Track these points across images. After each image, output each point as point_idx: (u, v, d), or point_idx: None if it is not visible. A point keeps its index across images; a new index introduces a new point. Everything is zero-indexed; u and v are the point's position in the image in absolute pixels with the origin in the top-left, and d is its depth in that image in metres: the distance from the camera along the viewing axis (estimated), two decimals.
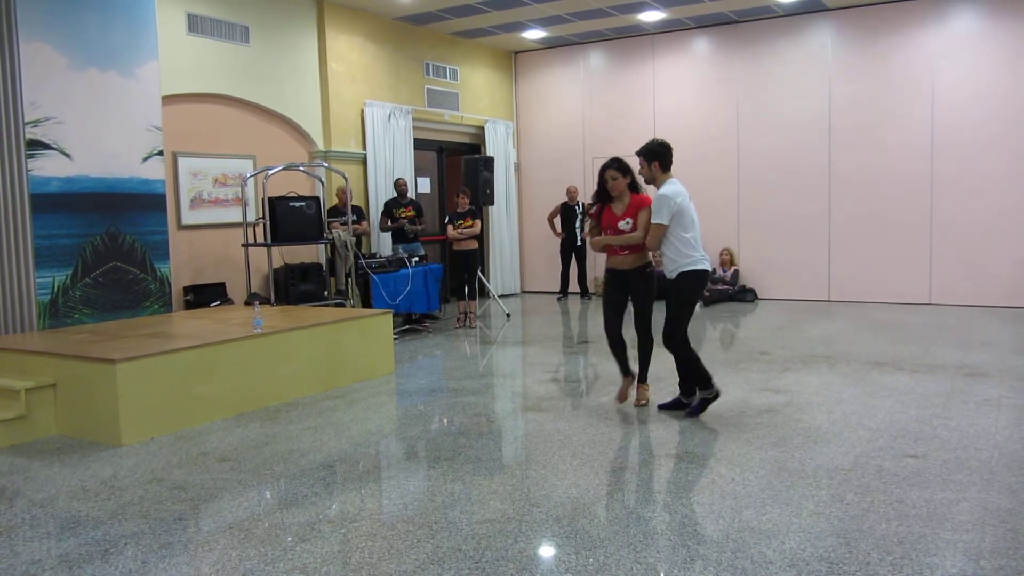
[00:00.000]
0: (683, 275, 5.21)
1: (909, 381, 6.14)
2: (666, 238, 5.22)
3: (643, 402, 5.54)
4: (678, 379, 5.42)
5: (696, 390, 5.31)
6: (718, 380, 6.31)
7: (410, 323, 9.57)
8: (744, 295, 11.35)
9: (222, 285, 8.67)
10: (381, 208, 10.11)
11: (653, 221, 5.20)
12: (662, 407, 5.46)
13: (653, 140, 5.46)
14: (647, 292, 5.44)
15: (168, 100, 7.81)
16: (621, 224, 5.33)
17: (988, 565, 3.06)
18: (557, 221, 12.08)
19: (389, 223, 9.87)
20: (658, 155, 5.37)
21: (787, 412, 5.34)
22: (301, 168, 9.11)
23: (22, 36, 6.34)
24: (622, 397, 5.56)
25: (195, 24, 8.35)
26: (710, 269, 5.49)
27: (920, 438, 4.69)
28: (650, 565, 3.15)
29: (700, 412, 5.29)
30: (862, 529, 3.42)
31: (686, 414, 5.28)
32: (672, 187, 5.28)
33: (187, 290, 8.36)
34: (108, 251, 6.95)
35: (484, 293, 11.48)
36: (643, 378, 5.60)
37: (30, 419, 5.24)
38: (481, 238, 11.14)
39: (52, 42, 6.55)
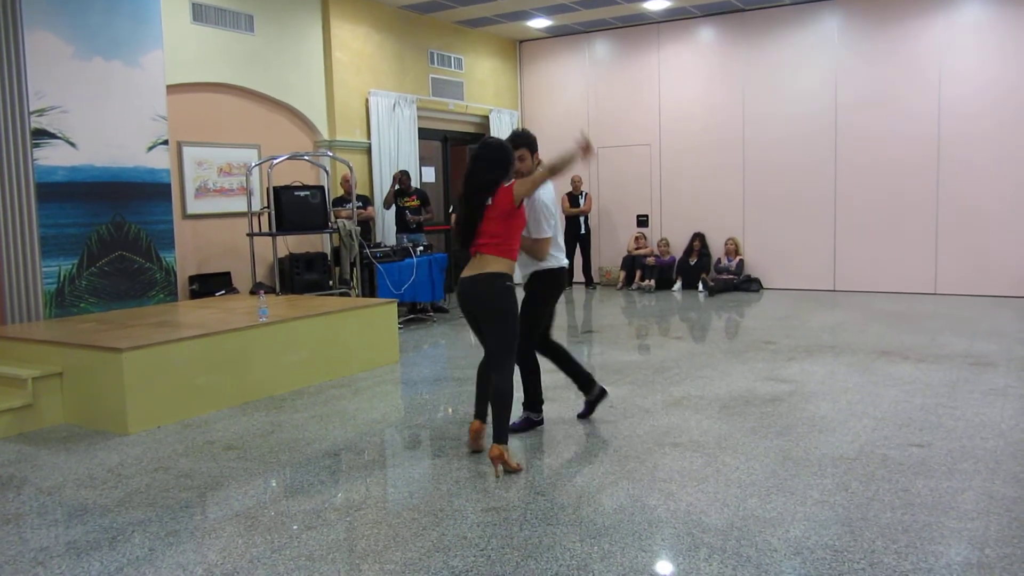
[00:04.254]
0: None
1: (914, 370, 6.13)
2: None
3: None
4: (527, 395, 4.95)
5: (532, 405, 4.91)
6: (722, 370, 6.33)
7: (415, 313, 9.58)
8: (749, 285, 11.33)
9: (227, 274, 8.68)
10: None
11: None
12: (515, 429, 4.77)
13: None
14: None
15: (173, 89, 7.80)
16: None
17: (993, 553, 3.07)
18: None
19: (395, 202, 9.80)
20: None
21: (792, 401, 5.34)
22: (306, 157, 9.11)
23: (27, 25, 6.33)
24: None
25: (199, 13, 8.33)
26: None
27: (925, 427, 4.69)
28: (655, 553, 3.16)
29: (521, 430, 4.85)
30: (867, 517, 3.42)
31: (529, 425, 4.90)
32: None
33: (192, 279, 8.38)
34: (114, 240, 6.97)
35: None
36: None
37: (37, 408, 5.26)
38: None
39: (57, 31, 6.54)
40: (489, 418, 4.37)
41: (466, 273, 4.30)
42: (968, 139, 10.12)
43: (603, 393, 5.05)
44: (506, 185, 4.26)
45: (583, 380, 4.99)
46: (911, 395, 5.42)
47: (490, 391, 4.31)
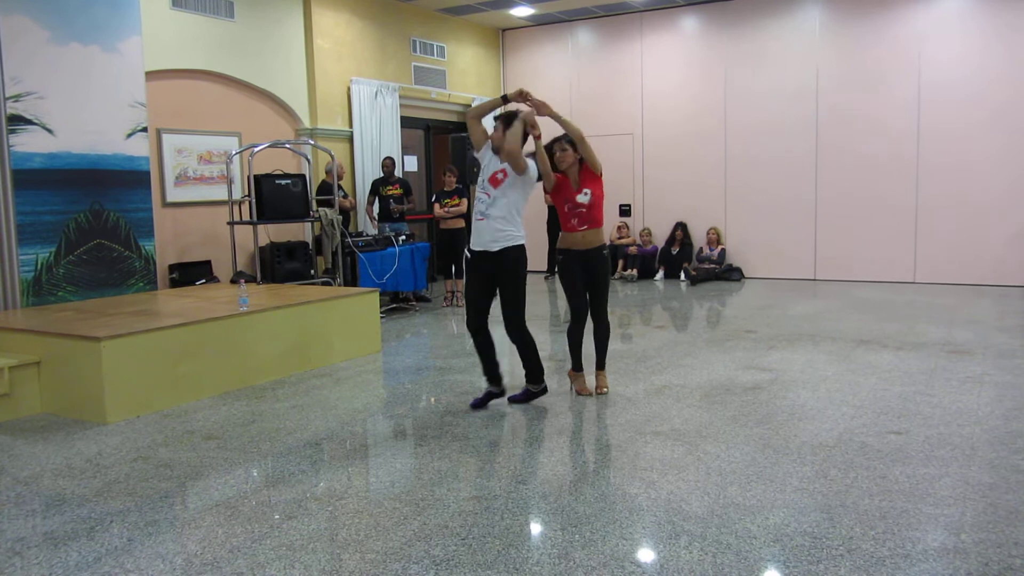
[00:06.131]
0: (519, 249, 4.97)
1: (893, 359, 6.19)
2: (510, 201, 5.09)
3: (604, 390, 5.33)
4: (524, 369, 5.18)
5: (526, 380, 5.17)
6: (703, 359, 6.36)
7: (397, 302, 9.55)
8: (730, 274, 11.39)
9: (208, 263, 8.62)
10: (368, 187, 10.05)
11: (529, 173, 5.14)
12: (513, 400, 5.16)
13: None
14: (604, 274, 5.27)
15: (152, 76, 7.72)
16: (579, 197, 5.22)
17: (969, 539, 3.10)
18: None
19: (376, 201, 9.81)
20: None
21: (772, 389, 5.38)
22: (287, 145, 9.04)
23: (2, 9, 6.23)
24: (584, 390, 5.34)
25: None
26: None
27: (903, 415, 4.73)
28: (635, 540, 3.18)
29: (525, 401, 5.14)
30: (845, 504, 3.45)
31: (509, 400, 5.15)
32: None
33: (172, 268, 8.31)
34: (92, 228, 6.89)
35: None
36: (602, 365, 5.41)
37: (14, 397, 5.21)
38: (468, 217, 11.09)
39: (33, 15, 6.44)
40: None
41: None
42: (948, 129, 10.20)
43: (501, 393, 5.15)
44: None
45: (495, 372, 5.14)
46: (889, 383, 5.47)
47: (597, 332, 5.29)
